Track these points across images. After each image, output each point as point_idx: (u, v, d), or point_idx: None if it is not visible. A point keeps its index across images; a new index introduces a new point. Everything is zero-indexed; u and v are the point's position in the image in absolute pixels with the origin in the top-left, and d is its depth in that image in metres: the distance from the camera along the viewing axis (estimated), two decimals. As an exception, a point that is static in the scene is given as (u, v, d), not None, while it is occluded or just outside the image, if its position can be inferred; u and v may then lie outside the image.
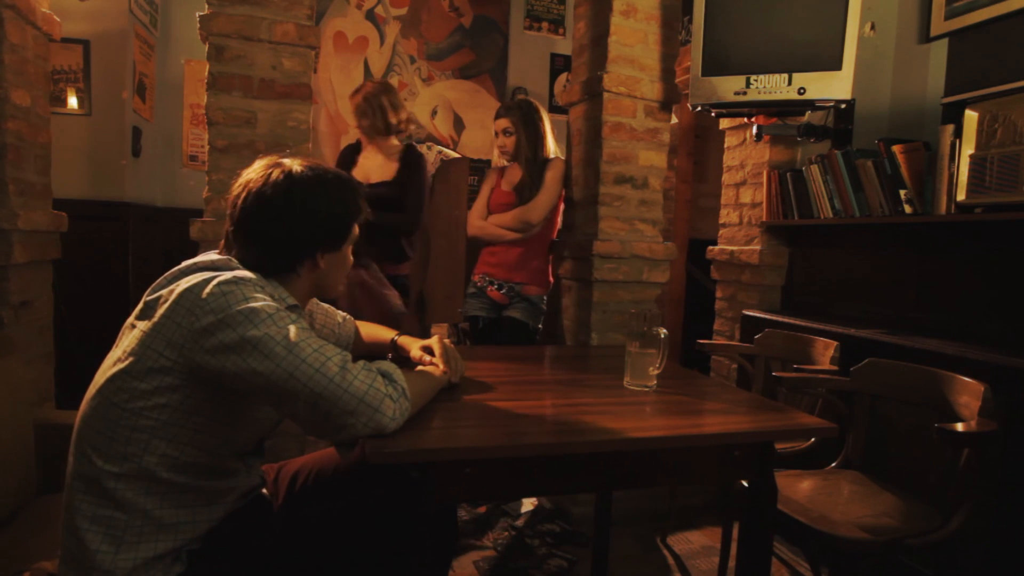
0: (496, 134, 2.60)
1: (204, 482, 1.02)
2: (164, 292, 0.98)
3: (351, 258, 1.19)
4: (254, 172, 1.08)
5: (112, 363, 0.98)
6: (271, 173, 1.06)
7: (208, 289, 0.95)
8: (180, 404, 0.96)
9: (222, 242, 1.12)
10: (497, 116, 2.59)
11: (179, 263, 1.06)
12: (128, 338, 0.98)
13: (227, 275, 0.98)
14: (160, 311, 0.96)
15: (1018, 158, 1.68)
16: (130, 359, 0.95)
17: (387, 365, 1.06)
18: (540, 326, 2.61)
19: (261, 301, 0.96)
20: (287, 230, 1.06)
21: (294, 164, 1.08)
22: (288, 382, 0.93)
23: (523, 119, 2.53)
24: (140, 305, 1.00)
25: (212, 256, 1.06)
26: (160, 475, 0.96)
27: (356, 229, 1.16)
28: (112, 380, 0.96)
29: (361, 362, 1.01)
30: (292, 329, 0.95)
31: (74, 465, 0.98)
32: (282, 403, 0.96)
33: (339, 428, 0.96)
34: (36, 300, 2.08)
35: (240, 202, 1.05)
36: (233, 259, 1.05)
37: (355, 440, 0.99)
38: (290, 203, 1.05)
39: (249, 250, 1.06)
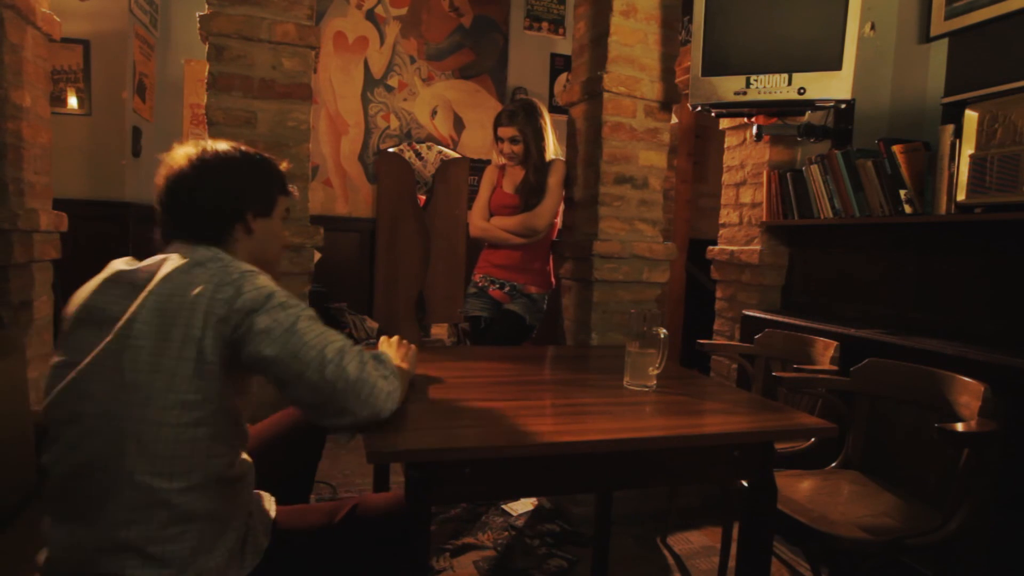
0: (500, 140, 2.56)
1: (244, 465, 1.06)
2: (167, 303, 0.96)
3: (283, 237, 1.26)
4: (175, 157, 1.12)
5: (131, 389, 0.93)
6: (218, 147, 1.13)
7: (223, 287, 0.97)
8: (225, 402, 0.98)
9: (157, 228, 1.14)
10: (500, 124, 2.53)
11: None
12: (133, 356, 0.94)
13: (235, 272, 1.00)
14: (175, 323, 0.94)
15: (1018, 158, 1.68)
16: (159, 377, 0.93)
17: (377, 350, 1.11)
18: (536, 324, 2.60)
19: (271, 286, 1.00)
20: (215, 192, 1.10)
21: (213, 143, 1.15)
22: (292, 364, 0.96)
23: (529, 125, 2.50)
24: (137, 315, 0.95)
25: (176, 259, 1.03)
26: (224, 475, 0.99)
27: (283, 204, 1.22)
28: (149, 404, 0.93)
29: (358, 347, 1.04)
30: (302, 315, 1.00)
31: (128, 500, 0.92)
32: (288, 387, 0.99)
33: (339, 412, 1.00)
34: (36, 300, 2.08)
35: (167, 182, 1.10)
36: (217, 249, 1.07)
37: (354, 426, 1.02)
38: (212, 168, 1.11)
39: (184, 221, 1.09)
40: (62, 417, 0.96)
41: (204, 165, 1.10)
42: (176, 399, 0.93)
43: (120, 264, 1.06)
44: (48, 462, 0.98)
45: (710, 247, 3.00)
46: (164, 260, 1.02)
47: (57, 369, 0.99)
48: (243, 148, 1.17)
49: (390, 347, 1.35)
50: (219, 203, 1.11)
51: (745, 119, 2.70)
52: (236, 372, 0.99)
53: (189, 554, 0.95)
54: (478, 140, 4.39)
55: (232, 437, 1.02)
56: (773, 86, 2.19)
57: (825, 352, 1.94)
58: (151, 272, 1.01)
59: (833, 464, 1.77)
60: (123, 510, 0.92)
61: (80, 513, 0.94)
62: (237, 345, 0.96)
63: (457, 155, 4.26)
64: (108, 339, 0.96)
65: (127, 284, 1.01)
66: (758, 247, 2.70)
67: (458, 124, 4.37)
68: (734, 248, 2.83)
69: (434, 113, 4.32)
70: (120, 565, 0.92)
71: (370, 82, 4.15)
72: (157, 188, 1.11)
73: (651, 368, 1.39)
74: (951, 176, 1.86)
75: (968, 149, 1.81)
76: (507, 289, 2.59)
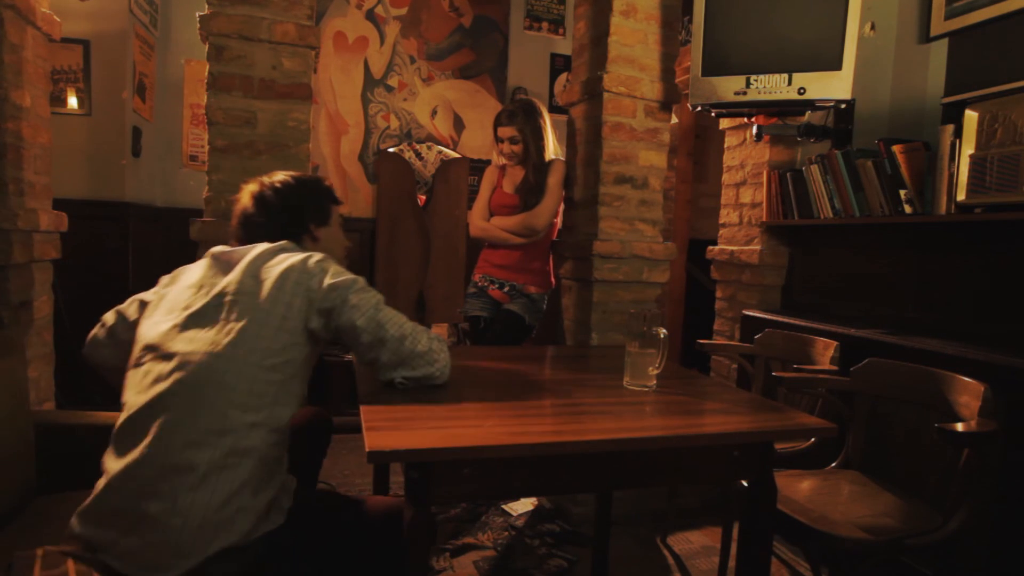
0: (500, 140, 2.56)
1: (287, 442, 1.19)
2: (262, 275, 1.18)
3: (344, 240, 1.48)
4: (243, 196, 1.37)
5: (224, 333, 1.12)
6: (274, 179, 1.39)
7: (310, 265, 1.20)
8: (299, 358, 1.17)
9: (234, 242, 1.34)
10: (500, 123, 2.53)
11: (179, 262, 1.34)
12: (231, 308, 1.15)
13: (316, 256, 1.24)
14: (267, 286, 1.16)
15: (1018, 158, 1.68)
16: (249, 326, 1.13)
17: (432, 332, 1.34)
18: (536, 324, 2.60)
19: (351, 273, 1.24)
20: (281, 216, 1.35)
21: (271, 177, 1.40)
22: (378, 332, 1.22)
23: (529, 125, 2.50)
24: (235, 283, 1.17)
25: (265, 244, 1.26)
26: (281, 427, 1.15)
27: (336, 212, 1.45)
28: (239, 344, 1.11)
29: (422, 327, 1.30)
30: (379, 297, 1.26)
31: (204, 423, 1.07)
32: (371, 349, 1.24)
33: (412, 367, 1.26)
34: (36, 300, 2.08)
35: (239, 219, 1.36)
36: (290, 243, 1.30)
37: (416, 380, 1.27)
38: (273, 200, 1.36)
39: (270, 225, 1.32)
40: (157, 356, 1.13)
41: (265, 199, 1.34)
42: (262, 345, 1.12)
43: (217, 249, 1.27)
44: (130, 397, 1.13)
45: (710, 247, 3.00)
46: (255, 246, 1.25)
47: (152, 321, 1.19)
48: (295, 174, 1.41)
49: None
50: (286, 223, 1.34)
51: (745, 119, 2.70)
52: (317, 335, 1.20)
53: (237, 488, 1.07)
54: (478, 140, 4.39)
55: (294, 395, 1.18)
56: (773, 86, 2.19)
57: (825, 352, 1.94)
58: (244, 253, 1.23)
59: (833, 464, 1.77)
60: (197, 432, 1.07)
61: (155, 435, 1.07)
62: (329, 313, 1.19)
63: (457, 155, 4.26)
64: (209, 298, 1.17)
65: (224, 263, 1.24)
66: (758, 247, 2.70)
67: (458, 124, 4.37)
68: (734, 248, 2.83)
69: (434, 113, 4.32)
70: (177, 485, 1.04)
71: (370, 82, 4.14)
72: (231, 225, 1.37)
73: (651, 368, 1.39)
74: (951, 176, 1.86)
75: (968, 149, 1.81)
76: (506, 289, 2.59)
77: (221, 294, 1.16)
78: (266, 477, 1.12)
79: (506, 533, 2.21)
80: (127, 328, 1.30)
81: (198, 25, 1.93)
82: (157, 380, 1.10)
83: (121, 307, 1.35)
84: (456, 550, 2.07)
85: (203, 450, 1.06)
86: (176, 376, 1.09)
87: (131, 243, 3.25)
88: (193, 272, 1.26)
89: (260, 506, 1.10)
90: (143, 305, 1.30)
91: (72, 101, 3.13)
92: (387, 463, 1.78)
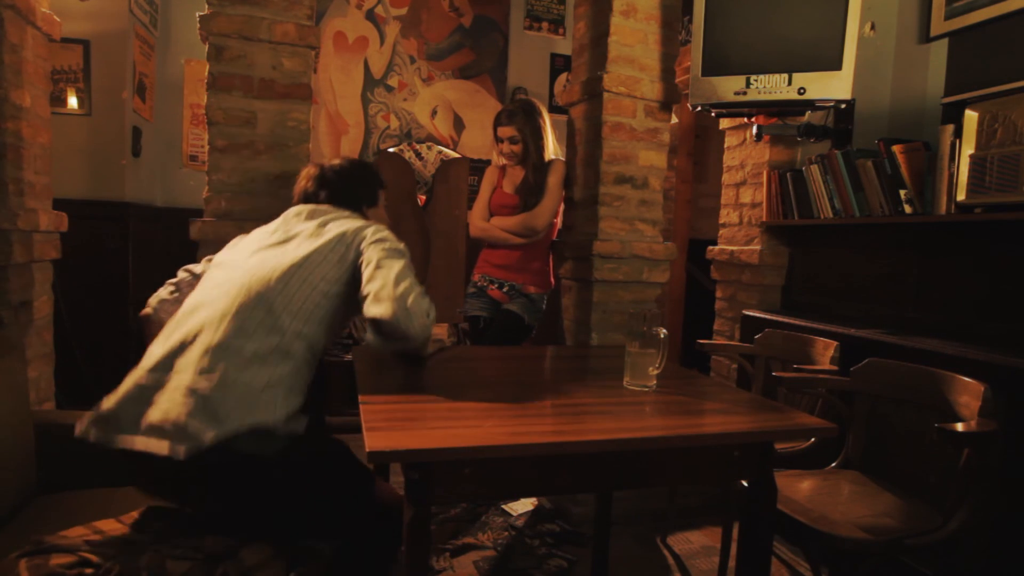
0: (500, 140, 2.56)
1: (318, 364, 1.31)
2: (329, 226, 1.39)
3: (387, 219, 1.64)
4: (301, 177, 1.57)
5: (292, 255, 1.30)
6: (332, 163, 1.57)
7: (372, 228, 1.39)
8: (344, 293, 1.32)
9: (298, 205, 1.51)
10: (499, 123, 2.53)
11: (178, 262, 1.52)
12: (302, 242, 1.35)
13: (379, 225, 1.43)
14: (334, 233, 1.35)
15: (1018, 158, 1.68)
16: (313, 254, 1.31)
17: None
18: (535, 324, 2.60)
19: (392, 236, 1.41)
20: (338, 196, 1.52)
21: (330, 161, 1.58)
22: (385, 272, 1.28)
23: (528, 124, 2.50)
24: (310, 229, 1.38)
25: (345, 211, 1.48)
26: (317, 353, 1.29)
27: (383, 195, 1.63)
28: (304, 265, 1.29)
29: (423, 289, 1.37)
30: (409, 265, 1.35)
31: (260, 319, 1.21)
32: (371, 279, 1.29)
33: (393, 307, 1.25)
34: (36, 300, 2.08)
35: (298, 198, 1.55)
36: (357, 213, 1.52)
37: (389, 331, 1.25)
38: (333, 180, 1.54)
39: (329, 203, 1.50)
40: (225, 268, 1.33)
41: (325, 179, 1.53)
42: (322, 271, 1.30)
43: (292, 209, 1.47)
44: (192, 297, 1.30)
45: (710, 247, 3.00)
46: (327, 208, 1.46)
47: (225, 255, 1.42)
48: (350, 159, 1.60)
49: None
50: (342, 202, 1.51)
51: (745, 119, 2.70)
52: (356, 276, 1.33)
53: (275, 381, 1.18)
54: (478, 140, 4.39)
55: (331, 329, 1.32)
56: (773, 86, 2.19)
57: (825, 352, 1.94)
58: (318, 212, 1.43)
59: (833, 464, 1.77)
60: (252, 324, 1.21)
61: (211, 322, 1.20)
62: (364, 252, 1.33)
63: (457, 155, 4.25)
64: (283, 237, 1.36)
65: (298, 217, 1.43)
66: (758, 247, 2.70)
67: (458, 124, 4.37)
68: (734, 248, 2.83)
69: (434, 113, 4.31)
70: (223, 361, 1.15)
71: (370, 82, 4.14)
72: (313, 180, 1.54)
73: (651, 368, 1.39)
74: (951, 176, 1.86)
75: (968, 149, 1.81)
76: (506, 289, 2.59)
77: (294, 235, 1.37)
78: (295, 389, 1.22)
79: (506, 533, 2.21)
80: (193, 282, 1.47)
81: (198, 25, 1.93)
82: (222, 283, 1.27)
83: (189, 266, 1.54)
84: (456, 550, 2.07)
85: (252, 340, 1.19)
86: (242, 281, 1.25)
87: (131, 243, 3.24)
88: (268, 225, 1.45)
89: (290, 408, 1.19)
90: (211, 260, 1.48)
91: (72, 101, 3.13)
92: (387, 463, 1.78)
